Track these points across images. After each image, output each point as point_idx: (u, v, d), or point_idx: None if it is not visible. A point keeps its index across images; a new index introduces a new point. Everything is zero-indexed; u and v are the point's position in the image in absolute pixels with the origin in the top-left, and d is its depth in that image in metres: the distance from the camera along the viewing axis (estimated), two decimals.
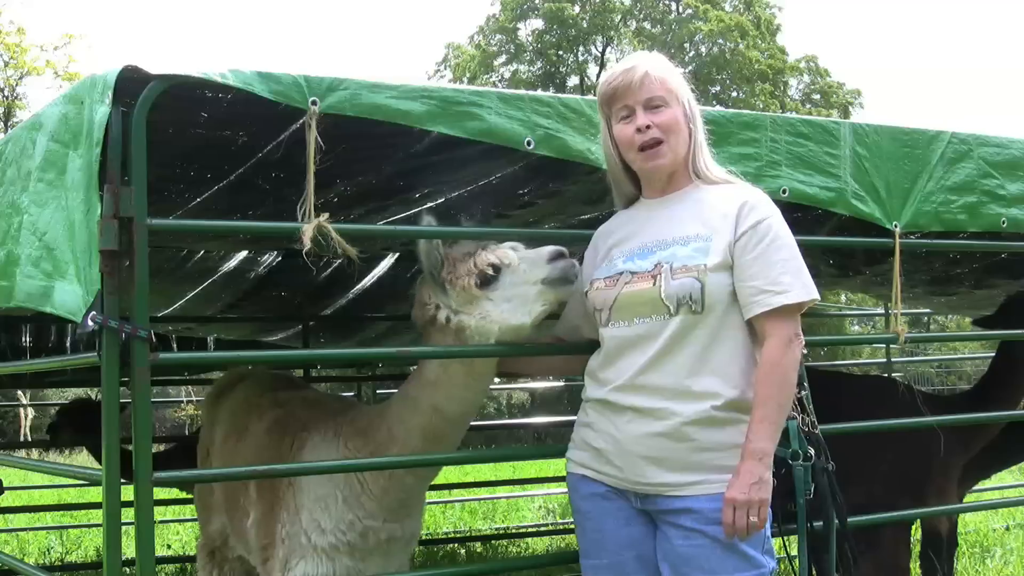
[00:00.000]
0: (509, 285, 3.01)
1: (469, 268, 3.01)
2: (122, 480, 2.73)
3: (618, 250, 2.92)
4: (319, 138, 2.79)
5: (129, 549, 2.75)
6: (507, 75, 35.75)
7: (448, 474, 14.22)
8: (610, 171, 3.00)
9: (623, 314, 2.80)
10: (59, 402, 9.22)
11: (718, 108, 4.35)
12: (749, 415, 2.71)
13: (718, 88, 35.16)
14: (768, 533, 2.78)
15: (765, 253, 2.74)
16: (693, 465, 2.71)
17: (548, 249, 2.97)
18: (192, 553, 8.34)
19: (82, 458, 13.48)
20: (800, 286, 2.76)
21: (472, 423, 3.61)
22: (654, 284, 2.75)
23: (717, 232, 2.75)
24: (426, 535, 9.50)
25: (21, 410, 14.29)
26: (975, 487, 10.39)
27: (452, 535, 9.81)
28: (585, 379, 2.97)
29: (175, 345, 7.82)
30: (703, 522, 2.69)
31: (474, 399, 3.23)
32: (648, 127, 2.79)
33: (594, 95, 3.03)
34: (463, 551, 8.81)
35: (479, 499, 11.56)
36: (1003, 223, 4.05)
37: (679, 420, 2.69)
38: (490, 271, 2.99)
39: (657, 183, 2.92)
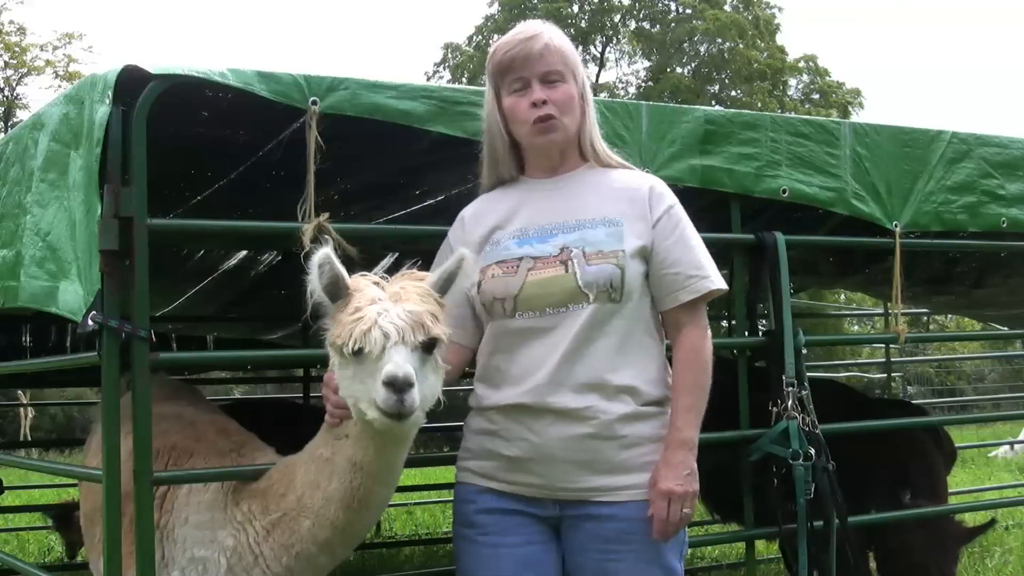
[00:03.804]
0: (348, 367, 2.37)
1: (347, 322, 2.34)
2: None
3: (504, 232, 2.66)
4: (319, 138, 2.79)
5: None
6: None
7: (448, 473, 14.21)
8: (491, 147, 2.72)
9: (532, 304, 2.55)
10: (59, 402, 9.22)
11: (718, 108, 4.36)
12: (665, 406, 2.59)
13: (717, 88, 35.14)
14: (685, 539, 2.66)
15: (683, 238, 2.62)
16: (621, 465, 2.54)
17: (388, 370, 2.24)
18: None
19: (82, 458, 13.45)
20: (717, 274, 2.64)
21: None
22: (567, 271, 2.54)
23: (627, 217, 2.59)
24: (426, 534, 9.50)
25: (21, 410, 14.30)
26: (974, 487, 10.44)
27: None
28: (479, 382, 2.68)
29: (175, 345, 7.82)
30: (629, 531, 2.52)
31: (401, 448, 2.55)
32: (544, 102, 2.58)
33: (594, 95, 2.99)
34: None
35: None
36: (1003, 223, 4.06)
37: (606, 419, 2.52)
38: (361, 346, 2.31)
39: (546, 162, 2.70)
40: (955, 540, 4.56)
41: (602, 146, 2.73)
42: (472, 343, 2.72)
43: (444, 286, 2.45)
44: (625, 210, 2.61)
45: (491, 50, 2.68)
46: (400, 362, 2.25)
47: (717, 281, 2.61)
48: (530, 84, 2.60)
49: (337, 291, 2.39)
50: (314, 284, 2.38)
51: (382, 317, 2.30)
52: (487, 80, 2.71)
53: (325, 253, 2.38)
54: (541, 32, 2.62)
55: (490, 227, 2.68)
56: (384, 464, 2.53)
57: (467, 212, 2.78)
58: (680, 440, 2.52)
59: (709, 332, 2.64)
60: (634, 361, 2.57)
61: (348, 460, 2.52)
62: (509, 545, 2.59)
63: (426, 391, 2.35)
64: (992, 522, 4.99)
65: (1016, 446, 14.94)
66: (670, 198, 2.66)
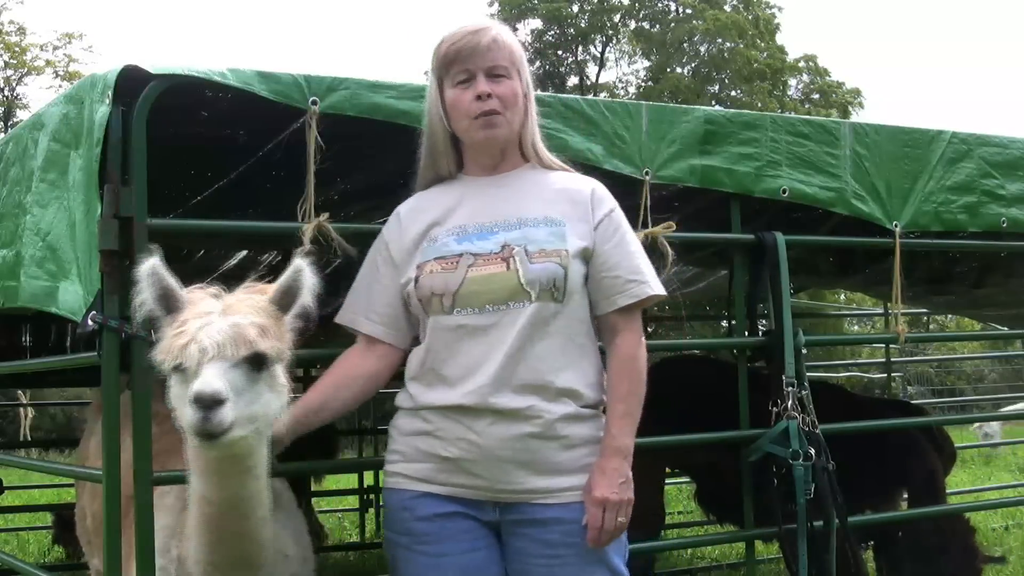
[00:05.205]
0: (177, 386, 2.26)
1: (170, 337, 2.25)
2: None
3: (442, 229, 2.58)
4: (319, 138, 2.80)
5: None
6: None
7: None
8: (431, 141, 2.65)
9: (472, 300, 2.47)
10: (59, 402, 9.21)
11: (718, 108, 4.37)
12: (600, 409, 2.56)
13: (717, 88, 35.17)
14: (626, 540, 2.60)
15: (623, 242, 2.58)
16: (561, 466, 2.48)
17: (195, 387, 2.12)
18: None
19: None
20: (656, 279, 2.60)
21: None
22: (508, 268, 2.48)
23: (569, 218, 2.55)
24: None
25: (21, 410, 14.28)
26: (975, 487, 10.45)
27: None
28: (412, 381, 2.58)
29: None
30: (573, 534, 2.46)
31: (242, 479, 2.36)
32: (489, 96, 2.51)
33: (594, 95, 2.99)
34: None
35: None
36: (1003, 223, 4.06)
37: (549, 418, 2.46)
38: (179, 362, 2.21)
39: (487, 159, 2.63)
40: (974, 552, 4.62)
41: (543, 148, 2.69)
42: (404, 344, 2.64)
43: (283, 300, 2.35)
44: (567, 211, 2.56)
45: (437, 42, 2.60)
46: (209, 378, 2.11)
47: (655, 287, 2.58)
48: (475, 77, 2.53)
49: (170, 303, 2.29)
50: (144, 296, 2.28)
51: (201, 331, 2.18)
52: (431, 72, 2.62)
53: (152, 264, 2.29)
54: (489, 26, 2.57)
55: (427, 224, 2.61)
56: (229, 497, 2.36)
57: (403, 209, 2.70)
58: (615, 447, 2.48)
59: (643, 339, 2.60)
60: (575, 364, 2.52)
61: (196, 492, 2.40)
62: (451, 553, 2.51)
63: (257, 409, 2.23)
64: (1002, 558, 5.04)
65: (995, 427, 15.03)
66: (611, 202, 2.63)
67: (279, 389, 2.32)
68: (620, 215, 2.62)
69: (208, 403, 2.10)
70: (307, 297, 2.35)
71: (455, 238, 2.55)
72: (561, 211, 2.56)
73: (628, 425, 2.50)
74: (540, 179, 2.64)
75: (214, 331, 2.19)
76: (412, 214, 2.66)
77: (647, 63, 36.31)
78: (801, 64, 35.67)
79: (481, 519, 2.52)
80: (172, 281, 2.30)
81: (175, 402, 2.25)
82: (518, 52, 2.60)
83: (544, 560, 2.48)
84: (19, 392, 12.91)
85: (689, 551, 7.86)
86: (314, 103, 2.80)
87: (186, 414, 2.14)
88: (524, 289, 2.46)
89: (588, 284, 2.56)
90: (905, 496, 4.90)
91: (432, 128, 2.63)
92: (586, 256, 2.54)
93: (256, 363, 2.23)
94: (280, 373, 2.31)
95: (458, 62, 2.54)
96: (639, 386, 2.54)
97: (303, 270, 2.34)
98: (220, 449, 2.20)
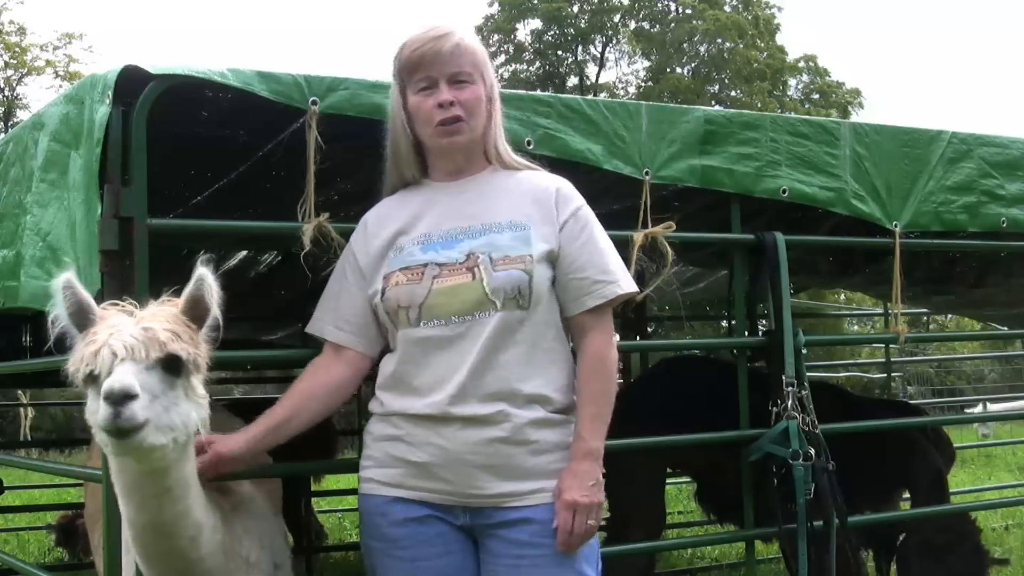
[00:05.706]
0: (92, 400, 2.20)
1: (80, 347, 2.21)
2: None
3: (407, 238, 2.56)
4: (319, 138, 2.80)
5: None
6: (506, 75, 35.74)
7: None
8: (394, 147, 2.63)
9: (438, 312, 2.45)
10: (59, 402, 9.22)
11: (718, 108, 4.38)
12: (571, 414, 2.52)
13: (717, 88, 35.18)
14: (598, 546, 2.56)
15: (591, 241, 2.53)
16: (530, 471, 2.45)
17: (106, 384, 2.07)
18: None
19: (82, 457, 13.44)
20: (626, 277, 2.56)
21: None
22: (473, 278, 2.45)
23: (533, 220, 2.51)
24: None
25: (21, 410, 14.28)
26: (975, 487, 10.45)
27: None
28: (382, 390, 2.57)
29: None
30: (542, 535, 2.43)
31: (162, 501, 2.29)
32: (451, 103, 2.48)
33: (594, 95, 2.98)
34: None
35: None
36: (1003, 223, 4.06)
37: (518, 422, 2.43)
38: (91, 368, 2.17)
39: (450, 164, 2.60)
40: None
41: (506, 149, 2.65)
42: (373, 352, 2.62)
43: (193, 310, 2.31)
44: (531, 213, 2.52)
45: (400, 45, 2.57)
46: (120, 376, 2.06)
47: (625, 285, 2.54)
48: (437, 84, 2.50)
49: (84, 319, 2.24)
50: (59, 310, 2.23)
51: (113, 337, 2.14)
52: (393, 76, 2.60)
53: (67, 278, 2.24)
54: (452, 31, 2.53)
55: (393, 232, 2.59)
56: (149, 521, 2.32)
57: (369, 217, 2.68)
58: (586, 450, 2.45)
59: (615, 338, 2.57)
60: (543, 370, 2.49)
61: (123, 514, 2.36)
62: (426, 557, 2.49)
63: (175, 418, 2.18)
64: (1006, 560, 5.07)
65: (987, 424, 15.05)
66: (577, 200, 2.59)
67: (198, 400, 2.27)
68: (587, 212, 2.58)
69: (118, 398, 2.04)
70: (214, 306, 2.32)
71: (420, 247, 2.53)
72: (525, 214, 2.53)
73: (598, 427, 2.48)
74: (504, 182, 2.61)
75: (125, 335, 2.15)
76: (378, 223, 2.64)
77: (647, 63, 36.32)
78: (801, 64, 35.68)
79: (453, 523, 2.51)
80: (87, 296, 2.26)
81: (89, 417, 2.18)
82: (481, 55, 2.57)
83: (512, 560, 2.45)
84: (19, 392, 12.91)
85: (689, 551, 7.87)
86: (314, 103, 2.80)
87: (98, 412, 2.08)
88: (489, 299, 2.43)
89: (556, 286, 2.53)
90: (906, 496, 4.90)
91: (395, 133, 2.62)
92: (552, 258, 2.50)
93: (172, 368, 2.19)
94: (198, 385, 2.27)
95: (420, 69, 2.51)
96: (609, 387, 2.51)
97: (205, 279, 2.30)
98: (136, 453, 2.15)
